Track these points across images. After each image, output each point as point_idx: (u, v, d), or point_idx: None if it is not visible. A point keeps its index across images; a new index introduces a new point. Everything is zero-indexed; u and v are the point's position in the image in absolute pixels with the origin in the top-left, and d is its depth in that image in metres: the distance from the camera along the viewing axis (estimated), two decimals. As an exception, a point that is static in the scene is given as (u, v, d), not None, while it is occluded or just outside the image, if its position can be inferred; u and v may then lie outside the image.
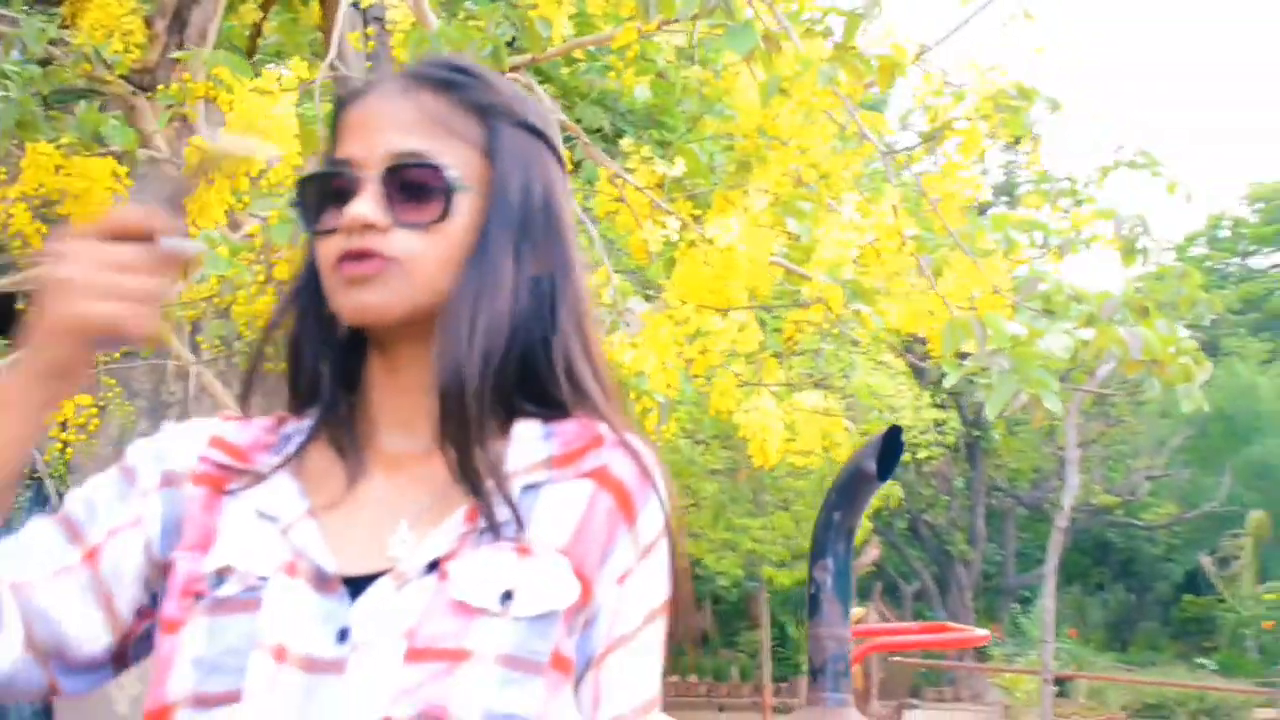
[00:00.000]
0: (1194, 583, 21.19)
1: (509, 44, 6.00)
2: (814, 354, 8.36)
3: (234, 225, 3.27)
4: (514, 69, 3.11)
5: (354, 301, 0.98)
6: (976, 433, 17.74)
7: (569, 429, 1.00)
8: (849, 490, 2.09)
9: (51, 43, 3.47)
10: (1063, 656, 14.98)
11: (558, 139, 1.08)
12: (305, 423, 1.04)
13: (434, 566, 0.93)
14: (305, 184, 1.03)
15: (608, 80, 4.93)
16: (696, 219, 3.49)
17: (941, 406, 13.56)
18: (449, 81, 1.03)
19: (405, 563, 0.94)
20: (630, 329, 3.12)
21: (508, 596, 0.91)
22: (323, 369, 1.04)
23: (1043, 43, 3.95)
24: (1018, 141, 3.68)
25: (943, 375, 2.50)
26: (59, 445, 3.43)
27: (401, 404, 1.02)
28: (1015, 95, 3.26)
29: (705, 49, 3.80)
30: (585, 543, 0.96)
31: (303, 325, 1.04)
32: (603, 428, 1.01)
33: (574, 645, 0.94)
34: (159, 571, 1.01)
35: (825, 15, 2.93)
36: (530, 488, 0.97)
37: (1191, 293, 3.39)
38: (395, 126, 1.00)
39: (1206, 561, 19.69)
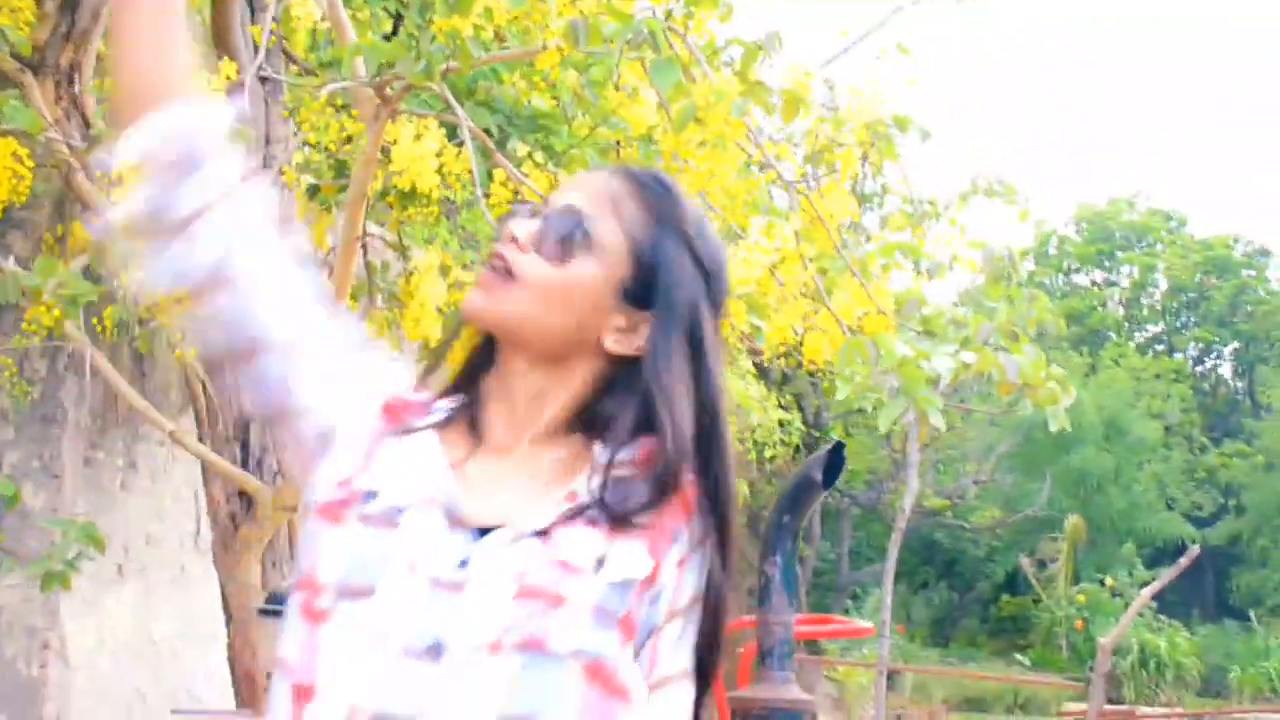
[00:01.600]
0: (1013, 583, 22.18)
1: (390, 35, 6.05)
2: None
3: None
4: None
5: (469, 300, 1.21)
6: (817, 433, 18.26)
7: (649, 442, 1.19)
8: (796, 496, 2.31)
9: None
10: (891, 651, 15.56)
11: (723, 286, 1.27)
12: (449, 403, 1.26)
13: (540, 533, 1.13)
14: (508, 217, 1.25)
15: (495, 84, 5.03)
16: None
17: (784, 408, 13.96)
18: (641, 181, 1.25)
19: (519, 523, 1.14)
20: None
21: (600, 563, 1.12)
22: (472, 374, 1.26)
23: (915, 75, 4.21)
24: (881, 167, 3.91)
25: (785, 377, 2.69)
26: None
27: (505, 408, 1.23)
28: (891, 125, 3.49)
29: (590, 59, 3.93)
30: (657, 530, 1.16)
31: (481, 341, 1.27)
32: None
33: (642, 615, 1.14)
34: (324, 433, 1.23)
35: (727, 45, 3.11)
36: (618, 480, 1.16)
37: (1041, 315, 3.67)
38: (580, 189, 1.24)
39: (1026, 563, 20.64)
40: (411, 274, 4.25)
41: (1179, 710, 15.31)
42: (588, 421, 1.21)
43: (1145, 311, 30.41)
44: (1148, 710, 13.14)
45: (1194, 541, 19.36)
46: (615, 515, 1.14)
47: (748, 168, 2.85)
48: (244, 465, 4.26)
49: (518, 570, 1.11)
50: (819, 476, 2.30)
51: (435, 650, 1.08)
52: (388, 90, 3.23)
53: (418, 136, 3.40)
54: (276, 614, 3.00)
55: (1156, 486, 23.30)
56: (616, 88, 3.09)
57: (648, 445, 1.19)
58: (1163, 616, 18.42)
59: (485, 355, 1.26)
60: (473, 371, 1.27)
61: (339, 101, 3.87)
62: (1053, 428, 2.43)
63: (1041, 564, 20.58)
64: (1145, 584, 17.36)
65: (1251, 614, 21.05)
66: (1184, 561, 10.24)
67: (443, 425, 1.23)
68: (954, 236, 4.00)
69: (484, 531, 1.14)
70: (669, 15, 2.85)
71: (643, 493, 1.16)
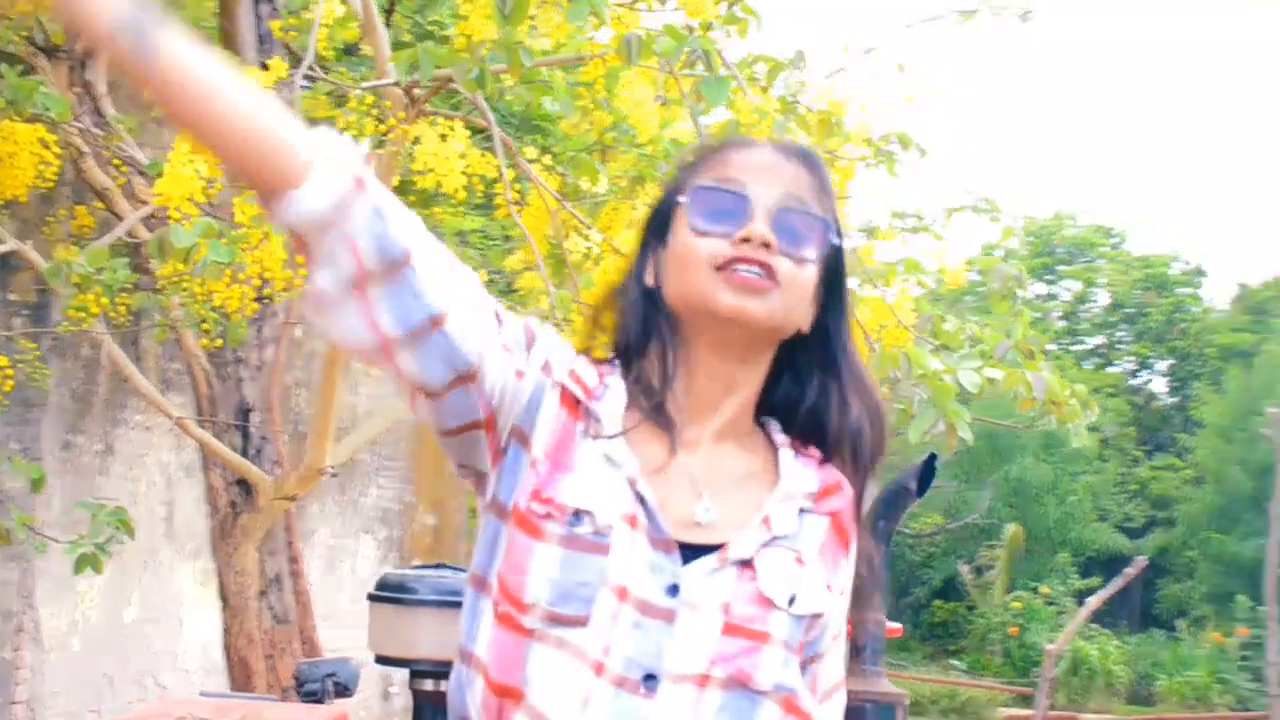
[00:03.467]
0: (948, 589, 22.51)
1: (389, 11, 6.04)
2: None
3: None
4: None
5: (739, 303, 1.20)
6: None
7: (825, 473, 1.28)
8: (892, 502, 2.45)
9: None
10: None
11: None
12: (615, 374, 1.26)
13: (744, 562, 1.20)
14: (700, 192, 1.23)
15: (500, 85, 5.10)
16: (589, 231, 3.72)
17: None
18: (818, 167, 1.28)
19: (729, 551, 1.19)
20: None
21: (793, 599, 1.20)
22: (655, 353, 1.25)
23: (912, 92, 4.34)
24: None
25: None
26: (-23, 405, 3.42)
27: (697, 404, 1.25)
28: (895, 142, 3.61)
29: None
30: (832, 553, 1.26)
31: (640, 303, 1.27)
32: (839, 476, 1.29)
33: (810, 640, 1.23)
34: (503, 429, 1.21)
35: (754, 62, 3.22)
36: (801, 511, 1.25)
37: (1024, 330, 3.82)
38: (790, 180, 1.24)
39: (964, 570, 20.97)
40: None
41: (1110, 716, 15.69)
42: (763, 409, 1.29)
43: (1085, 325, 30.96)
44: (1088, 716, 13.48)
45: (1126, 552, 19.82)
46: (803, 552, 1.23)
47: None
48: (244, 454, 4.31)
49: (723, 601, 1.17)
50: (914, 486, 2.46)
51: (649, 681, 1.13)
52: (415, 91, 3.31)
53: (443, 137, 3.47)
54: (387, 600, 3.03)
55: (1091, 498, 23.73)
56: (664, 104, 3.18)
57: (829, 478, 1.27)
58: (1094, 625, 18.81)
59: (645, 327, 1.26)
60: (636, 344, 1.26)
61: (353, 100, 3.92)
62: (1074, 444, 2.57)
63: (979, 571, 20.91)
64: (1079, 593, 17.73)
65: (1177, 624, 21.55)
66: (1131, 571, 10.55)
67: (629, 416, 1.22)
68: (941, 250, 4.14)
69: (685, 547, 1.18)
70: (707, 31, 2.95)
71: (822, 528, 1.25)
